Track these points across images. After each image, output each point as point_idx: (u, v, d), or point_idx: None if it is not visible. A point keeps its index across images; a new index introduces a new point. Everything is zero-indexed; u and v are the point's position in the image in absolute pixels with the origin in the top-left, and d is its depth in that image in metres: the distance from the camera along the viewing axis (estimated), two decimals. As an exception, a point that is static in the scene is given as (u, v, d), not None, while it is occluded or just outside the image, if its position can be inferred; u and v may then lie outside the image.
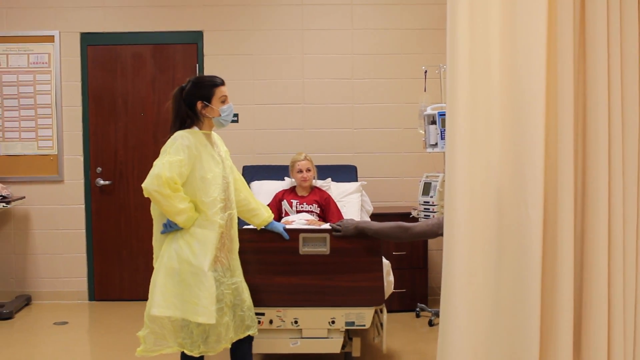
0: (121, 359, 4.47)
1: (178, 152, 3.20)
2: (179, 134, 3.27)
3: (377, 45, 5.99)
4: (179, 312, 3.19)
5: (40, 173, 5.98)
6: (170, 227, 3.26)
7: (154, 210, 3.34)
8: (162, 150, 3.25)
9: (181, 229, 3.25)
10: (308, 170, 4.95)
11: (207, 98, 3.36)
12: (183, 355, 3.34)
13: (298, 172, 4.94)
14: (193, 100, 3.35)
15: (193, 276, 3.19)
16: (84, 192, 6.01)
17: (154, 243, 3.39)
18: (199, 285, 3.18)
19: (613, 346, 2.45)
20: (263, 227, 3.76)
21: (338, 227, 3.80)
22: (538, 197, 2.36)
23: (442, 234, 3.62)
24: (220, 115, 3.39)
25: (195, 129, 3.37)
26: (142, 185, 3.16)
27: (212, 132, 3.49)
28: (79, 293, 6.04)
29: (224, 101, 3.41)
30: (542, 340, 2.41)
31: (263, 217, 3.74)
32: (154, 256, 3.36)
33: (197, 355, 3.29)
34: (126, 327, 5.16)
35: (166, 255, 3.24)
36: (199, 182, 3.27)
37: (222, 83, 3.43)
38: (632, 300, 2.45)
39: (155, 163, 3.20)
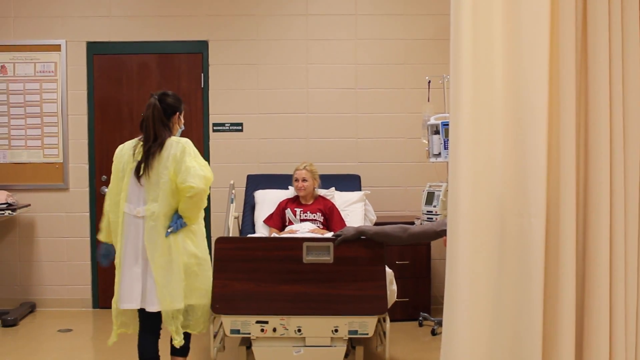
0: (125, 366, 4.49)
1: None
2: (184, 139, 3.60)
3: (380, 55, 6.02)
4: (186, 300, 3.57)
5: (45, 181, 6.01)
6: (181, 225, 3.54)
7: (162, 210, 3.50)
8: (185, 151, 3.50)
9: (185, 226, 3.56)
10: (304, 180, 5.01)
11: (181, 111, 3.78)
12: (187, 336, 3.65)
13: (295, 180, 5.04)
14: (175, 110, 3.72)
15: (199, 267, 3.61)
16: (89, 200, 6.04)
17: (155, 241, 3.51)
18: (205, 273, 3.66)
19: (615, 356, 2.46)
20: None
21: (339, 233, 3.84)
22: (540, 206, 2.38)
23: (441, 233, 3.66)
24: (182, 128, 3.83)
25: None
26: (193, 184, 3.42)
27: None
28: (83, 300, 6.06)
29: None
30: (544, 349, 2.42)
31: None
32: (152, 253, 3.51)
33: (198, 333, 3.71)
34: (130, 335, 5.16)
35: (174, 252, 3.51)
36: None
37: None
38: (634, 309, 2.47)
39: (191, 165, 3.46)
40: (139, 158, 3.55)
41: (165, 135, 3.57)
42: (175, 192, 3.50)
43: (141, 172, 3.52)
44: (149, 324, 3.64)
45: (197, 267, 3.60)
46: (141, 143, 3.59)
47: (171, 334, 3.57)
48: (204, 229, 3.73)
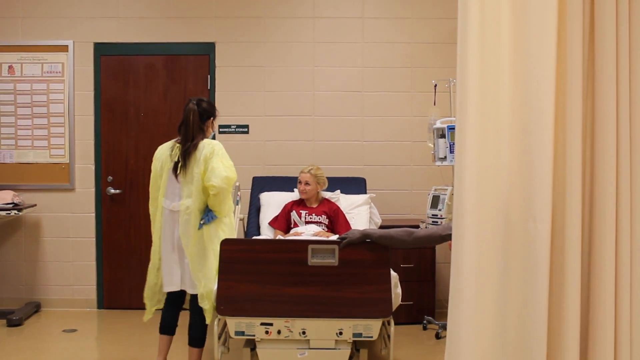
0: (129, 367, 4.51)
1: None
2: (215, 141, 3.99)
3: (387, 58, 6.03)
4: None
5: (51, 181, 6.03)
6: (212, 218, 3.91)
7: (195, 205, 3.88)
8: (214, 152, 3.87)
9: (216, 218, 3.93)
10: (307, 184, 5.03)
11: (215, 117, 4.18)
12: (204, 328, 4.04)
13: (299, 183, 5.07)
14: (210, 116, 4.11)
15: None
16: (95, 201, 6.06)
17: (189, 232, 3.89)
18: None
19: (620, 361, 2.45)
20: None
21: (344, 236, 3.84)
22: (546, 211, 2.38)
23: (447, 237, 3.66)
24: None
25: None
26: (215, 184, 3.79)
27: None
28: (88, 301, 6.08)
29: None
30: (549, 355, 2.41)
31: None
32: (186, 243, 3.91)
33: None
34: (134, 335, 5.18)
35: (206, 240, 3.89)
36: None
37: None
38: (639, 315, 2.46)
39: (216, 166, 3.83)
40: (176, 158, 3.95)
41: (199, 137, 3.97)
42: (205, 189, 3.87)
43: (178, 171, 3.93)
44: (174, 300, 4.13)
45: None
46: (177, 145, 3.99)
47: (205, 313, 3.91)
48: (234, 221, 4.16)
